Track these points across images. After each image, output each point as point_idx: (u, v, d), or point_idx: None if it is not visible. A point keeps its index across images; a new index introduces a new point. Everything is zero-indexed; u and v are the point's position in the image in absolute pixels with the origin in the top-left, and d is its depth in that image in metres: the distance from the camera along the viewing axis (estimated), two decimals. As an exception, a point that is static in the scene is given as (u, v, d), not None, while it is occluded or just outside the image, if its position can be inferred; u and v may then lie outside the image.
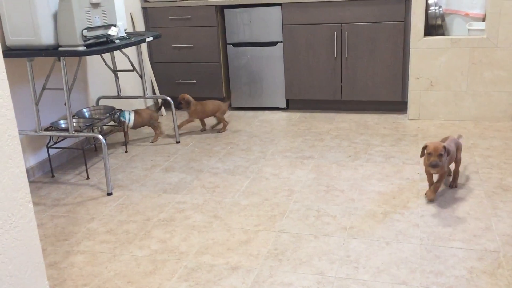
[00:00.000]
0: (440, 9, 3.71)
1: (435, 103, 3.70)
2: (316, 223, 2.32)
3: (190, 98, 3.60)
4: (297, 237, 2.20)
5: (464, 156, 3.00)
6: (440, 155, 2.33)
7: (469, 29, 3.65)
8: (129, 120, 3.37)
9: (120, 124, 3.34)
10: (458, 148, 2.56)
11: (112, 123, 3.39)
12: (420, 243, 2.11)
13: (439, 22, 3.72)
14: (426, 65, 3.64)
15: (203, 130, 3.77)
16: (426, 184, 2.65)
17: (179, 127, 3.65)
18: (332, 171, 2.90)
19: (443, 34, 3.76)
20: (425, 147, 2.39)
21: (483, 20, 3.73)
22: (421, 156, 2.43)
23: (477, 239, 2.11)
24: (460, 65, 3.58)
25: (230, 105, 3.71)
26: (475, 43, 3.52)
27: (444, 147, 2.34)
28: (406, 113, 3.95)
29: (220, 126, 3.84)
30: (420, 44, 3.62)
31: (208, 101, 3.69)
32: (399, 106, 3.99)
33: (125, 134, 3.44)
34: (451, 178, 2.67)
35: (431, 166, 2.35)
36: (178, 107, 3.60)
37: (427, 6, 3.71)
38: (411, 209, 2.40)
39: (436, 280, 1.86)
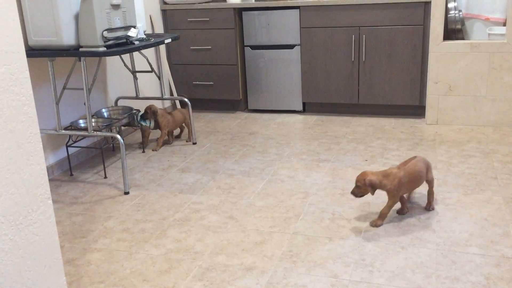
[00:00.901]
0: (460, 13, 3.68)
1: (454, 107, 3.67)
2: (331, 226, 2.31)
3: (157, 108, 3.38)
4: (311, 240, 2.20)
5: (483, 161, 2.97)
6: (357, 186, 2.24)
7: (489, 34, 3.61)
8: (150, 123, 3.40)
9: (142, 129, 3.37)
10: (428, 168, 2.39)
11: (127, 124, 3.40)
12: (436, 248, 2.09)
13: (458, 26, 3.69)
14: (445, 69, 3.61)
15: (170, 142, 3.60)
16: (441, 188, 2.63)
17: (158, 147, 3.46)
18: (348, 174, 2.89)
19: (462, 39, 3.73)
20: None
21: (504, 24, 3.68)
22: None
23: (494, 245, 2.09)
24: (480, 69, 3.54)
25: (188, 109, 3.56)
26: (495, 48, 3.48)
27: (364, 180, 2.21)
28: (424, 117, 3.92)
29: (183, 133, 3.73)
30: (439, 48, 3.59)
31: (175, 111, 3.54)
32: (416, 110, 3.96)
33: (146, 138, 3.48)
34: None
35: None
36: (143, 116, 3.38)
37: (447, 10, 3.68)
38: (428, 213, 2.38)
39: (452, 286, 1.84)
